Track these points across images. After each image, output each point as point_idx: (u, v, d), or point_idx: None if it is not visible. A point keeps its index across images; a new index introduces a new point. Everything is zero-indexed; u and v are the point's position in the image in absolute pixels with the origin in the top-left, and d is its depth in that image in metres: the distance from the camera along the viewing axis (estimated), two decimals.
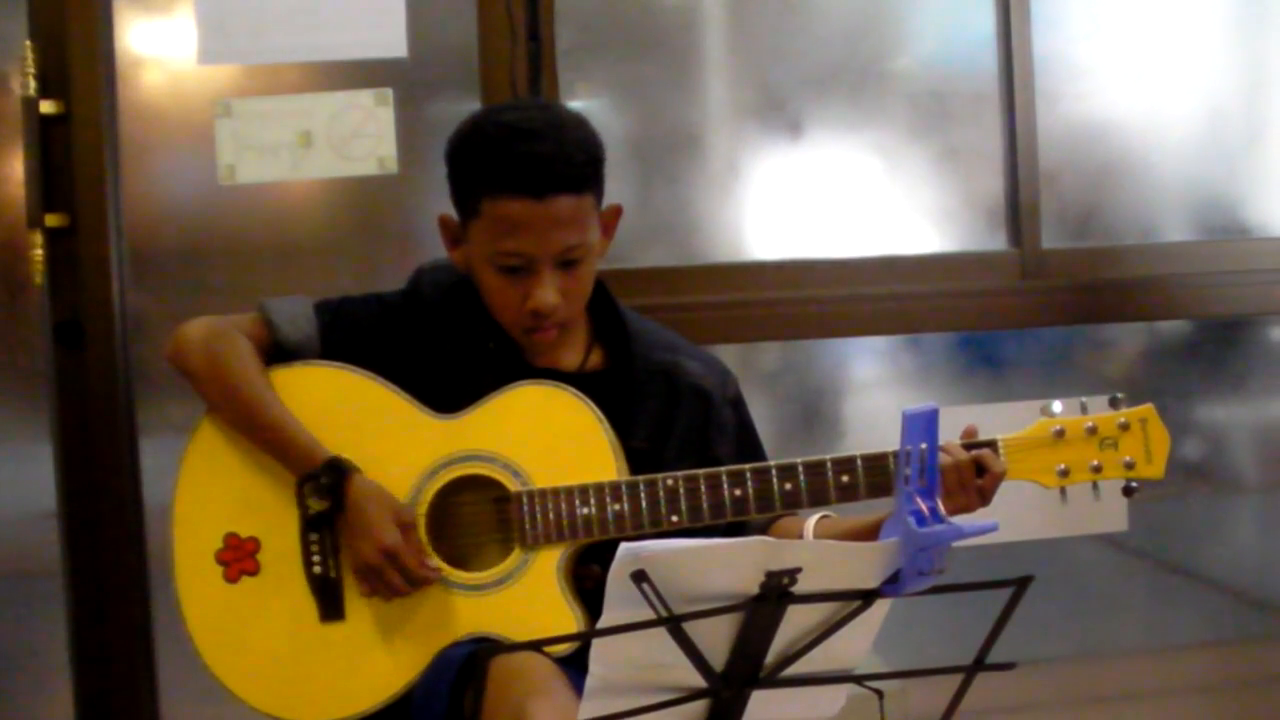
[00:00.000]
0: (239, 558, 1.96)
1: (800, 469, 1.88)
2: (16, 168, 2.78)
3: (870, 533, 1.72)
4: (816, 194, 3.06)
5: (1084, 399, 1.93)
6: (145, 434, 2.83)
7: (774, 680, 1.40)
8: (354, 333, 2.01)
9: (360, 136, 2.81)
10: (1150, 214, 3.20)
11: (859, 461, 1.88)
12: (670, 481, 1.88)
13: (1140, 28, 3.17)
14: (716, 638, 1.36)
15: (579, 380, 1.96)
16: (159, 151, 2.85)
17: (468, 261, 1.97)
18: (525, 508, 1.90)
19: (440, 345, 1.99)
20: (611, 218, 2.01)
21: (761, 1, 3.04)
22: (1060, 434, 1.89)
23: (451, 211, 1.99)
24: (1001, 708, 3.02)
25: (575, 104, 2.92)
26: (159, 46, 2.86)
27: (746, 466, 1.89)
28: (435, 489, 1.93)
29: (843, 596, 1.37)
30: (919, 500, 1.37)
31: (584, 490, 1.89)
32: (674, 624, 1.32)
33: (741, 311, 2.98)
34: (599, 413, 1.91)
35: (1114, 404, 1.91)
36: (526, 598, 1.89)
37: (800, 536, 1.93)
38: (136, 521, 2.81)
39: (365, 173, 2.83)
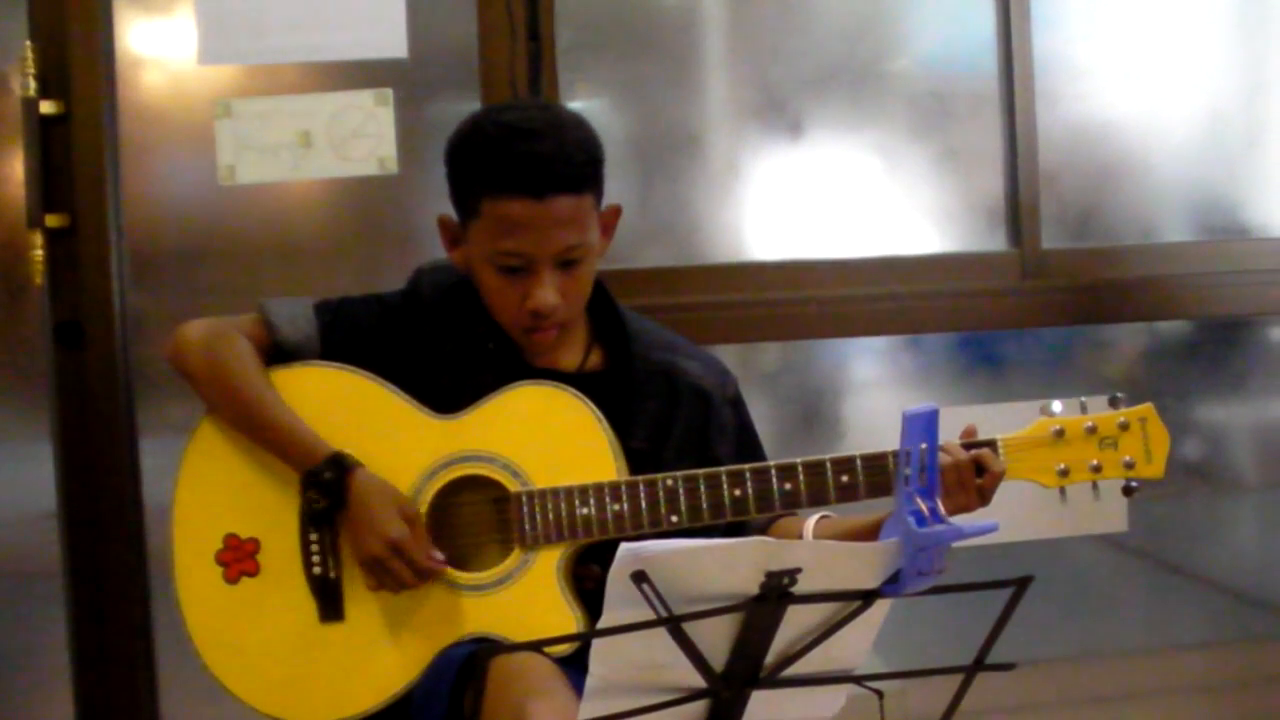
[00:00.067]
0: (239, 558, 1.96)
1: (800, 469, 1.88)
2: (16, 168, 2.78)
3: (870, 533, 1.72)
4: (816, 194, 3.06)
5: (1084, 399, 1.93)
6: (145, 434, 2.83)
7: (774, 680, 1.40)
8: (354, 333, 2.01)
9: (360, 137, 2.81)
10: (1150, 214, 3.20)
11: (859, 461, 1.88)
12: (670, 482, 1.88)
13: (1140, 28, 3.17)
14: (716, 638, 1.36)
15: (578, 380, 1.96)
16: (159, 151, 2.85)
17: (467, 262, 1.97)
18: (525, 508, 1.90)
19: (440, 346, 1.99)
20: (611, 218, 2.01)
21: (761, 1, 3.04)
22: (1060, 434, 1.89)
23: (451, 212, 1.99)
24: (1001, 708, 3.02)
25: (575, 104, 2.92)
26: (159, 46, 2.86)
27: (746, 467, 1.89)
28: (435, 489, 1.93)
29: (843, 597, 1.37)
30: (919, 500, 1.37)
31: (583, 490, 1.89)
32: (674, 624, 1.32)
33: (741, 311, 2.98)
34: (598, 413, 1.91)
35: (1114, 404, 1.91)
36: (526, 598, 1.89)
37: (800, 536, 1.93)
38: (136, 521, 2.81)
39: (365, 173, 2.83)
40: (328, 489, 1.90)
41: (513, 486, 1.90)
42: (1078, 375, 3.21)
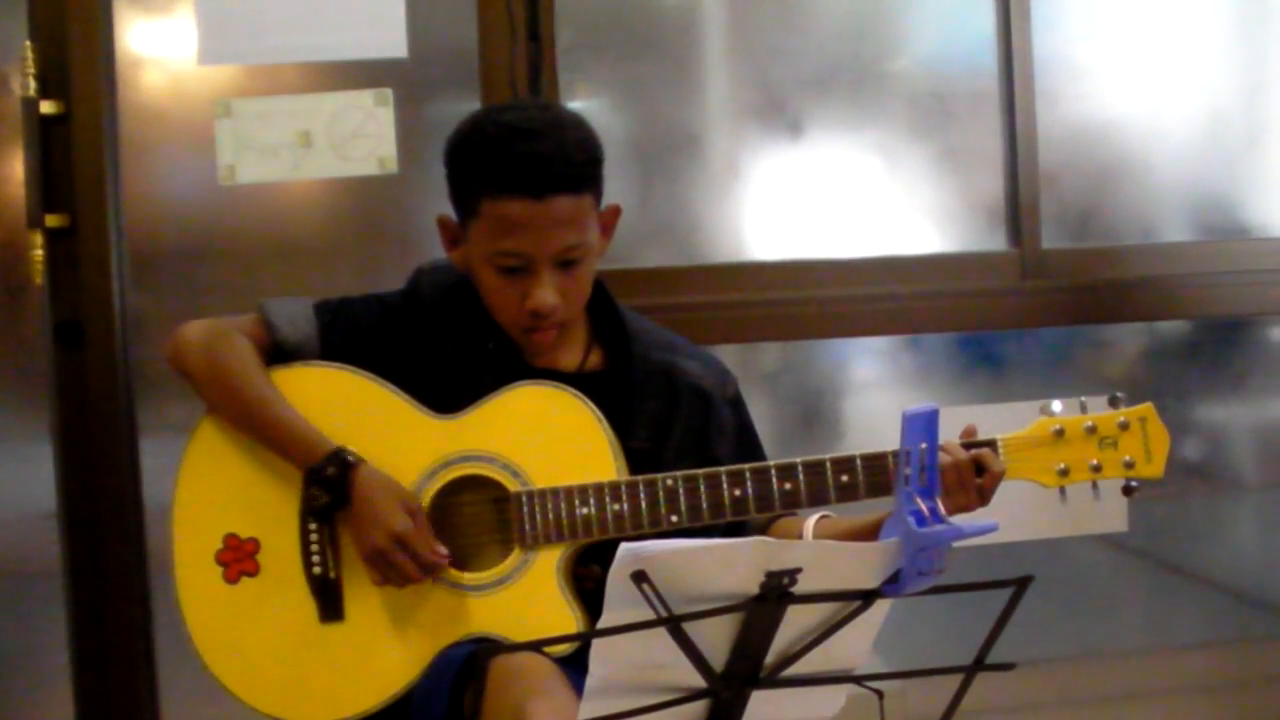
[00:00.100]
0: (239, 558, 1.96)
1: (800, 469, 1.88)
2: (16, 168, 2.78)
3: (870, 533, 1.72)
4: (816, 194, 3.06)
5: (1084, 399, 1.93)
6: (145, 434, 2.83)
7: (774, 680, 1.40)
8: (353, 333, 2.01)
9: (360, 136, 2.81)
10: (1150, 214, 3.20)
11: (858, 461, 1.88)
12: (670, 481, 1.88)
13: (1140, 29, 3.17)
14: (716, 638, 1.36)
15: (578, 380, 1.96)
16: (159, 151, 2.85)
17: (467, 262, 1.97)
18: (525, 508, 1.90)
19: (440, 345, 1.99)
20: (611, 218, 2.01)
21: (761, 1, 3.04)
22: (1060, 433, 1.89)
23: (451, 212, 1.99)
24: (1001, 708, 3.01)
25: (575, 104, 2.92)
26: (159, 46, 2.86)
27: (746, 466, 1.89)
28: (435, 489, 1.93)
29: (843, 597, 1.37)
30: (919, 500, 1.37)
31: (583, 490, 1.89)
32: (674, 624, 1.32)
33: (741, 311, 2.98)
34: (598, 413, 1.91)
35: (1113, 403, 1.91)
36: (526, 598, 1.89)
37: (800, 536, 1.93)
38: (136, 521, 2.81)
39: (365, 173, 2.83)
40: (330, 485, 1.90)
41: (513, 486, 1.90)
42: (1078, 375, 3.21)
